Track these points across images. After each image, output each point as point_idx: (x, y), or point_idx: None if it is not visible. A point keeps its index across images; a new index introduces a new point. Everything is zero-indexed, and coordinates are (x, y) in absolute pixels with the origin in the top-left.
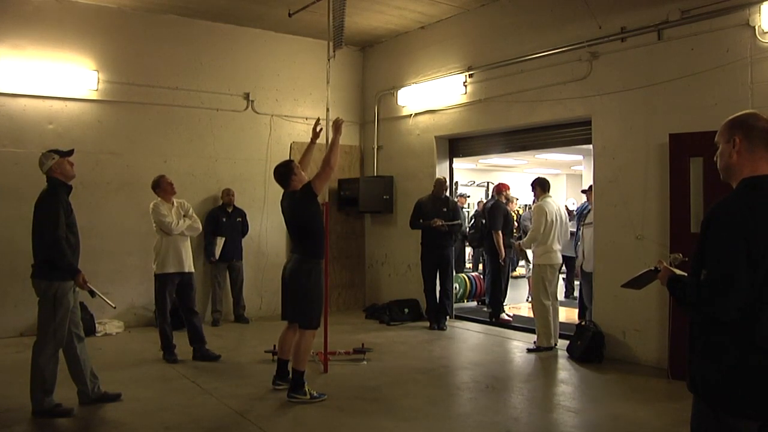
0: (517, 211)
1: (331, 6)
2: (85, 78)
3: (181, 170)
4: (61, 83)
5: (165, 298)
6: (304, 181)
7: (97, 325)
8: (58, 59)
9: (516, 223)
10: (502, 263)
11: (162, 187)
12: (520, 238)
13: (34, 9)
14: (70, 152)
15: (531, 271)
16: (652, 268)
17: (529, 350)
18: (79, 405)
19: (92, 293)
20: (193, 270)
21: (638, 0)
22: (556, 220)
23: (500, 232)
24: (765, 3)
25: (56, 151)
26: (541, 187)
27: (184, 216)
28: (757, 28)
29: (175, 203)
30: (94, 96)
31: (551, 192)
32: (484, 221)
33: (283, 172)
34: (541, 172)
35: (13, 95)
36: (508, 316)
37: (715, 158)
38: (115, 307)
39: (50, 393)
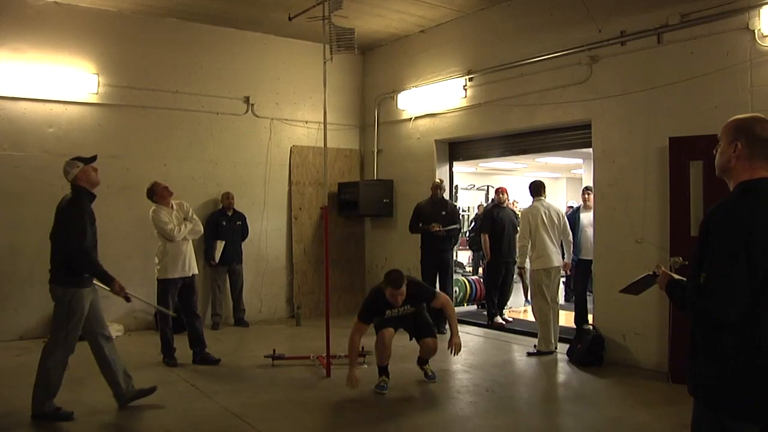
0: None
1: (326, 12)
2: (85, 81)
3: (181, 174)
4: (61, 87)
5: (168, 302)
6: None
7: None
8: (59, 63)
9: (518, 228)
10: (480, 262)
11: (157, 192)
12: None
13: (35, 12)
14: (93, 158)
15: (528, 276)
16: (651, 273)
17: (529, 354)
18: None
19: (128, 299)
20: (196, 272)
21: (638, 4)
22: (546, 222)
23: (486, 235)
24: (764, 7)
25: (80, 159)
26: (530, 191)
27: (185, 219)
28: (756, 31)
29: (174, 206)
30: (94, 99)
31: (546, 193)
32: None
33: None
34: (541, 176)
35: (13, 98)
36: (504, 320)
37: (714, 151)
38: (176, 314)
39: (52, 397)
